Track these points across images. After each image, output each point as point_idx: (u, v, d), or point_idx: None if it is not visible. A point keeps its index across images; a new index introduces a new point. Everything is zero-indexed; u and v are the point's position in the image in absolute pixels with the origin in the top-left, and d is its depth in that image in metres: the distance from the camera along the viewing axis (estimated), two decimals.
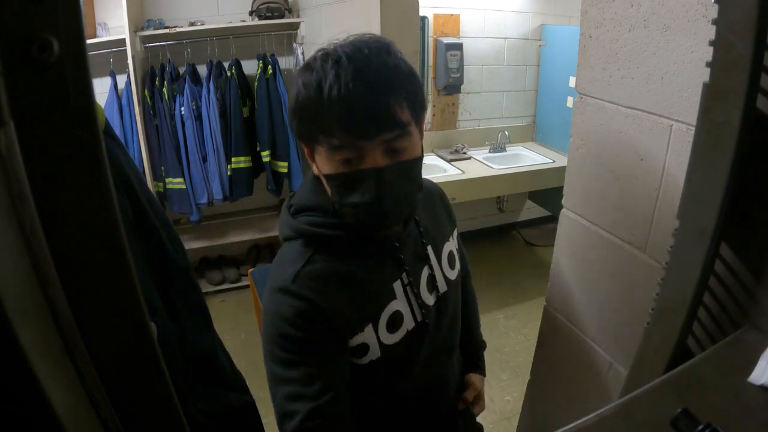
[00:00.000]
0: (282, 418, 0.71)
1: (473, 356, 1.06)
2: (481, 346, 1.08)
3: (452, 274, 0.89)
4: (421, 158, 0.73)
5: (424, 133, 0.78)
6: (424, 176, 0.79)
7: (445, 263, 0.87)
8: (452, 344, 0.94)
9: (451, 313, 0.89)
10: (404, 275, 0.79)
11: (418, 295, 0.80)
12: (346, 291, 0.74)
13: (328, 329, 0.72)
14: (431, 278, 0.84)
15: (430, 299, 0.83)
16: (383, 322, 0.77)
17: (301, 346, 0.71)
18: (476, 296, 1.10)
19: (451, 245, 0.90)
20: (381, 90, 0.64)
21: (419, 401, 0.90)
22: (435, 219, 0.89)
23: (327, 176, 0.70)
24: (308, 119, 0.67)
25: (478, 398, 1.02)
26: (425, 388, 0.90)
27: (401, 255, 0.78)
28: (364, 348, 0.76)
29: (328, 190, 0.72)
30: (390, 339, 0.78)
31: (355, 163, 0.67)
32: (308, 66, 0.67)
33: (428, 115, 3.07)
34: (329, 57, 0.65)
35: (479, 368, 1.05)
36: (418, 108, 0.69)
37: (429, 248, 0.84)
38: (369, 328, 0.75)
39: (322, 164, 0.70)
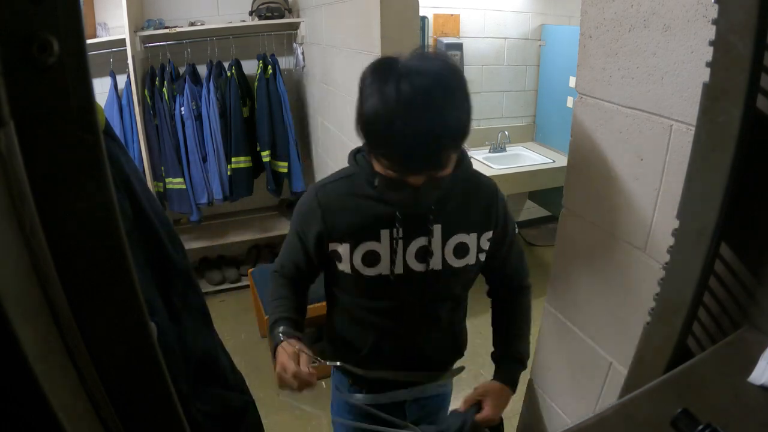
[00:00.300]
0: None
1: (500, 364, 1.07)
2: (516, 359, 1.05)
3: (456, 263, 0.97)
4: (450, 172, 0.84)
5: None
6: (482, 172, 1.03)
7: (449, 248, 0.96)
8: (434, 321, 1.04)
9: (443, 295, 1.01)
10: (394, 230, 0.92)
11: (402, 253, 0.94)
12: (346, 211, 0.94)
13: (318, 226, 0.95)
14: (424, 249, 0.94)
15: (417, 266, 0.95)
16: (360, 252, 0.94)
17: (297, 229, 0.99)
18: (527, 316, 1.09)
19: (469, 239, 0.97)
20: (446, 141, 0.76)
21: (393, 356, 1.04)
22: (464, 209, 0.96)
23: (378, 173, 0.85)
24: (375, 138, 0.79)
25: (485, 403, 0.99)
26: (400, 344, 1.03)
27: (398, 214, 0.91)
28: (337, 255, 0.96)
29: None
30: (364, 270, 0.95)
31: (400, 175, 0.80)
32: (387, 82, 0.73)
33: None
34: (415, 87, 0.72)
35: (502, 374, 1.04)
36: (464, 141, 0.81)
37: (437, 227, 0.94)
38: (346, 246, 0.94)
39: (375, 162, 0.84)
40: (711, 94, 0.63)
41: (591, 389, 1.13)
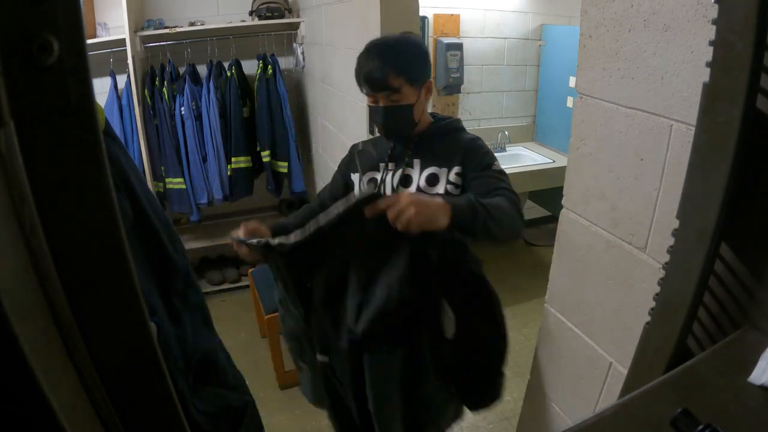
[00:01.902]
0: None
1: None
2: (469, 198, 0.97)
3: (428, 189, 1.20)
4: (406, 103, 1.17)
5: None
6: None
7: (423, 177, 1.22)
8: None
9: None
10: (386, 164, 1.26)
11: (390, 179, 1.24)
12: (365, 154, 1.32)
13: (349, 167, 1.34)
14: (406, 177, 1.24)
15: (402, 190, 1.22)
16: (365, 179, 1.28)
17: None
18: (502, 203, 1.02)
19: (439, 172, 1.21)
20: (385, 67, 1.12)
21: None
22: (439, 151, 1.23)
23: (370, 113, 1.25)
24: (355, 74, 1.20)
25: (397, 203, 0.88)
26: None
27: (389, 152, 1.27)
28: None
29: None
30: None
31: (369, 97, 1.19)
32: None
33: None
34: (374, 40, 1.20)
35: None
36: (404, 74, 1.14)
37: (417, 161, 1.24)
38: (356, 176, 1.30)
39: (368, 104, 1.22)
40: (711, 94, 0.63)
41: (591, 389, 1.13)
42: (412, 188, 1.21)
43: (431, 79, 1.19)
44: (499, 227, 0.97)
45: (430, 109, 1.33)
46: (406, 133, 1.22)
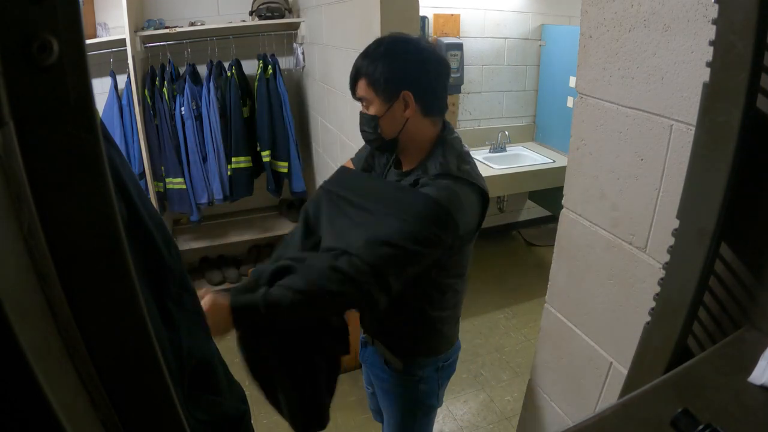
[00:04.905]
0: None
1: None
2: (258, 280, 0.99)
3: None
4: (371, 113, 1.07)
5: None
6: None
7: None
8: None
9: None
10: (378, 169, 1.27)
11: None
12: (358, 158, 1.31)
13: None
14: None
15: None
16: None
17: None
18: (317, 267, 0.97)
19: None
20: (356, 71, 1.06)
21: None
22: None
23: None
24: None
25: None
26: None
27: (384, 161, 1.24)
28: None
29: None
30: None
31: None
32: None
33: None
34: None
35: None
36: (369, 82, 1.05)
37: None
38: None
39: None
40: (711, 94, 0.63)
41: (591, 389, 1.13)
42: None
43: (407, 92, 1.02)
44: (311, 301, 0.95)
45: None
46: (374, 147, 1.15)
